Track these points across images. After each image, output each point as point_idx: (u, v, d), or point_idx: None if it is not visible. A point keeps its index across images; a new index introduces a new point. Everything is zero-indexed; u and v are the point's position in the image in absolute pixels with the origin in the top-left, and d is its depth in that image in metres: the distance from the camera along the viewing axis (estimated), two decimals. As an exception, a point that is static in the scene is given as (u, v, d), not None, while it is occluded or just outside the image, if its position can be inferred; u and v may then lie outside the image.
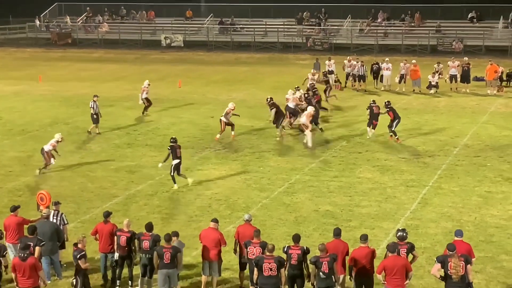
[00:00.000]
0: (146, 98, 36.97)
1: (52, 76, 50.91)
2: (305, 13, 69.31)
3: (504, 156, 28.50)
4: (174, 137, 25.31)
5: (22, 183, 25.58)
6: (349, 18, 67.76)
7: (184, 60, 61.18)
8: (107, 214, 17.59)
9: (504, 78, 44.38)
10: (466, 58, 44.95)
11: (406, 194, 24.00)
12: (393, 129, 30.70)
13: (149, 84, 37.41)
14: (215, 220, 17.08)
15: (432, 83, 42.62)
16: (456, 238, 15.90)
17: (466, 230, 20.61)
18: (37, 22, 74.57)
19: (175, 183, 24.64)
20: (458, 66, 43.00)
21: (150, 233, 16.66)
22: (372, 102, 31.66)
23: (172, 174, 24.53)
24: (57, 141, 27.06)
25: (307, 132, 30.09)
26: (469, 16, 65.41)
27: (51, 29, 74.31)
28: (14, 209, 17.84)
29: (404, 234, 15.96)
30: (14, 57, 64.07)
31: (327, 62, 46.44)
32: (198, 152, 29.68)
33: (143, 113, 36.70)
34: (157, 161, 26.76)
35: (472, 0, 68.05)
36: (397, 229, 16.88)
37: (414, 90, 43.45)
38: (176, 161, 24.44)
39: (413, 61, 45.30)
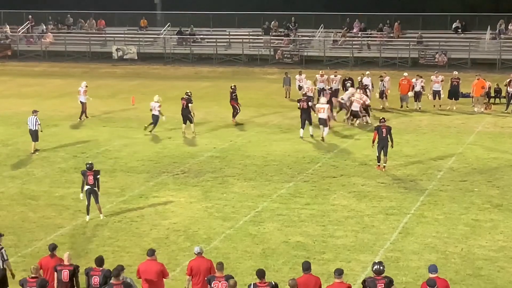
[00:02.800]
0: (82, 102, 39.85)
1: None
2: (273, 23, 69.54)
3: (493, 180, 28.77)
4: (89, 162, 24.84)
5: (-46, 212, 25.34)
6: (321, 28, 68.13)
7: (138, 74, 61.09)
8: (53, 247, 17.49)
9: (492, 94, 44.60)
10: (455, 72, 44.97)
11: (386, 223, 24.11)
12: (377, 155, 30.58)
13: (86, 86, 40.46)
14: (152, 251, 17.37)
15: (416, 87, 42.80)
16: (431, 275, 15.84)
17: (452, 263, 20.79)
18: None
19: (87, 214, 24.51)
20: (442, 81, 43.27)
21: (101, 268, 16.57)
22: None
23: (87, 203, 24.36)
24: (157, 101, 36.24)
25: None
26: (453, 26, 66.13)
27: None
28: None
29: (381, 267, 16.03)
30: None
31: (297, 76, 46.60)
32: (154, 177, 29.58)
33: (80, 118, 40.14)
34: (107, 187, 26.64)
35: (456, 9, 68.91)
36: (373, 262, 16.90)
37: (401, 106, 43.82)
38: (87, 187, 24.21)
39: (405, 73, 46.05)
